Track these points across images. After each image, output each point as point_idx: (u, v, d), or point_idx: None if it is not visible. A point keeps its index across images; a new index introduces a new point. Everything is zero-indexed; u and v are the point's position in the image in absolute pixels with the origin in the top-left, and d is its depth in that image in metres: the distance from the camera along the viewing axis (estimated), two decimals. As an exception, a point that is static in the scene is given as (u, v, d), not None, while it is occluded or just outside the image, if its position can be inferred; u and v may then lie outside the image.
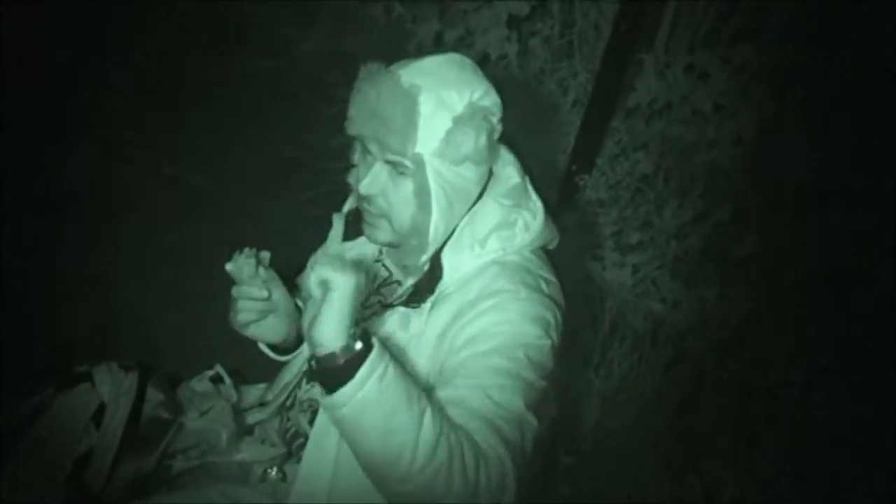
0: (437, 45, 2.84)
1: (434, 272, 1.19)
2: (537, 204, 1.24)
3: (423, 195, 1.15)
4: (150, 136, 2.86)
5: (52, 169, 2.64)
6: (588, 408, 2.17)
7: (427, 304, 1.17)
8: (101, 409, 1.29)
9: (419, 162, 1.13)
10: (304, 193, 2.69)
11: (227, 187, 2.73)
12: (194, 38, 3.19)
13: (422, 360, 1.17)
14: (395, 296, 1.27)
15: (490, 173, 1.23)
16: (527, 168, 1.27)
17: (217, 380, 1.47)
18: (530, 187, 1.25)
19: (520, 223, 1.20)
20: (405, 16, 2.97)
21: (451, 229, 1.20)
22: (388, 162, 1.16)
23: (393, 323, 1.19)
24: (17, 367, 1.91)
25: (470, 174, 1.17)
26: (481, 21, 2.68)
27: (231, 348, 1.42)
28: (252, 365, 1.59)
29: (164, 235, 2.53)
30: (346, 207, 1.46)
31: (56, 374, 1.34)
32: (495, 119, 1.17)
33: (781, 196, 2.41)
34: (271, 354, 1.40)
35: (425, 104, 1.12)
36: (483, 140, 1.13)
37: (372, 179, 1.18)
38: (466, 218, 1.20)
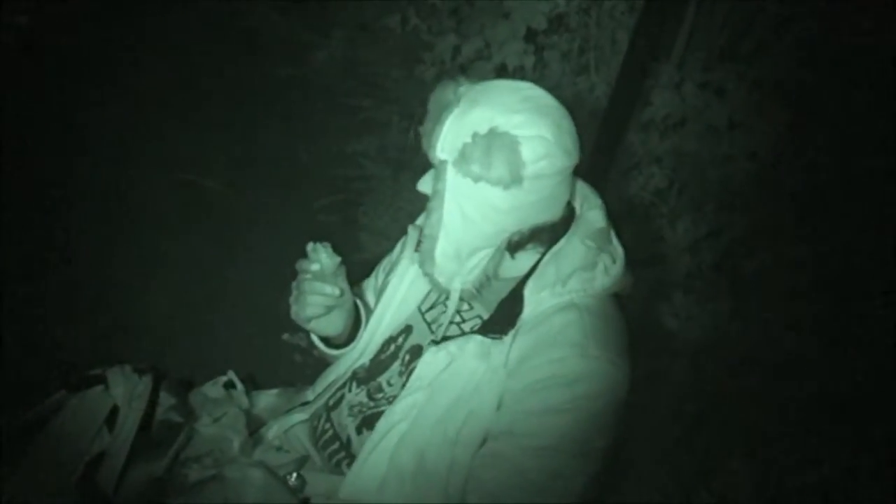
0: (454, 58, 2.84)
1: (515, 305, 1.18)
2: (618, 250, 1.25)
3: (436, 201, 1.16)
4: (163, 140, 2.87)
5: (64, 171, 2.66)
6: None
7: (508, 338, 1.17)
8: (114, 411, 1.29)
9: (442, 168, 1.15)
10: (317, 200, 2.70)
11: (241, 192, 2.74)
12: (210, 43, 3.21)
13: (498, 390, 1.16)
14: (468, 322, 1.26)
15: (568, 213, 1.23)
16: (611, 213, 1.28)
17: (229, 385, 1.47)
18: (613, 233, 1.26)
19: (600, 266, 1.20)
20: (421, 27, 2.98)
21: (465, 250, 1.17)
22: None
23: (470, 351, 1.18)
24: (24, 370, 1.91)
25: (494, 198, 1.12)
26: (499, 34, 2.68)
27: (242, 352, 1.42)
28: (262, 369, 1.59)
29: (176, 239, 2.53)
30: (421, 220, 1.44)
31: (64, 377, 1.34)
32: (532, 154, 1.10)
33: (795, 212, 2.41)
34: (322, 347, 1.39)
35: (458, 114, 1.13)
36: (500, 168, 1.07)
37: (426, 177, 1.20)
38: (550, 256, 1.20)
